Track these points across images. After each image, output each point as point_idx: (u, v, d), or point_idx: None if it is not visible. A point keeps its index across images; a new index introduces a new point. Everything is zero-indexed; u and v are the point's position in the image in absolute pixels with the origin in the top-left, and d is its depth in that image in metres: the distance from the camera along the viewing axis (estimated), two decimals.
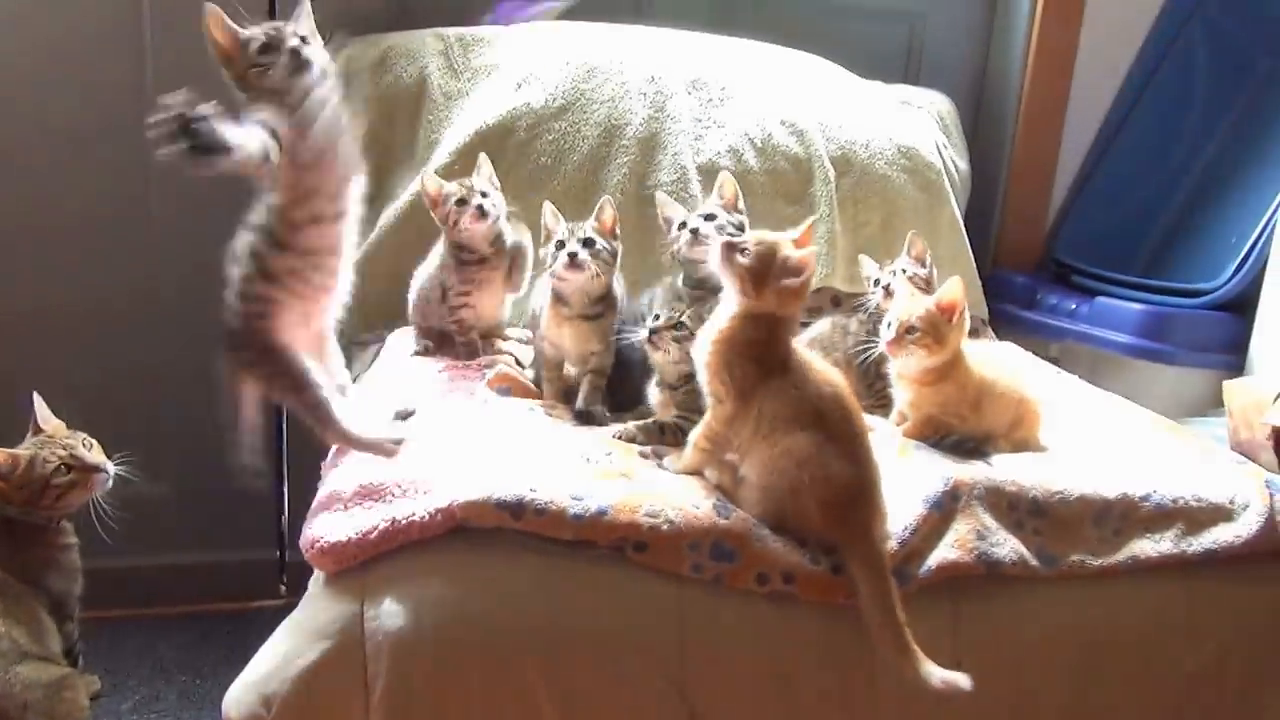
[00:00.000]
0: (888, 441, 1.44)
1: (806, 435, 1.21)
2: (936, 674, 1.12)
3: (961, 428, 1.47)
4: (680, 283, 1.58)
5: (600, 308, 1.57)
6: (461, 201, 1.66)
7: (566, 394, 1.62)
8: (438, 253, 1.78)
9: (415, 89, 2.11)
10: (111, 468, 1.82)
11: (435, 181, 1.70)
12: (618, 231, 1.59)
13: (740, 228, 1.59)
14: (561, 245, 1.54)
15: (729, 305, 1.31)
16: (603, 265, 1.54)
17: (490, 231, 1.69)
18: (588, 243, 1.53)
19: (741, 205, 1.63)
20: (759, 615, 1.19)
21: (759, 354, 1.27)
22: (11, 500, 1.74)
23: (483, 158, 1.73)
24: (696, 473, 1.32)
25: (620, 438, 1.44)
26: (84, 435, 1.85)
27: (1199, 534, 1.33)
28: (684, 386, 1.44)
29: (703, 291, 1.49)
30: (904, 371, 1.49)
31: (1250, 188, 2.25)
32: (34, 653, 1.69)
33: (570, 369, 1.63)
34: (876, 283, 1.70)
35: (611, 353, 1.59)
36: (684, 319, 1.43)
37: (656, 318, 1.45)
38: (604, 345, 1.57)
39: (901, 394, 1.51)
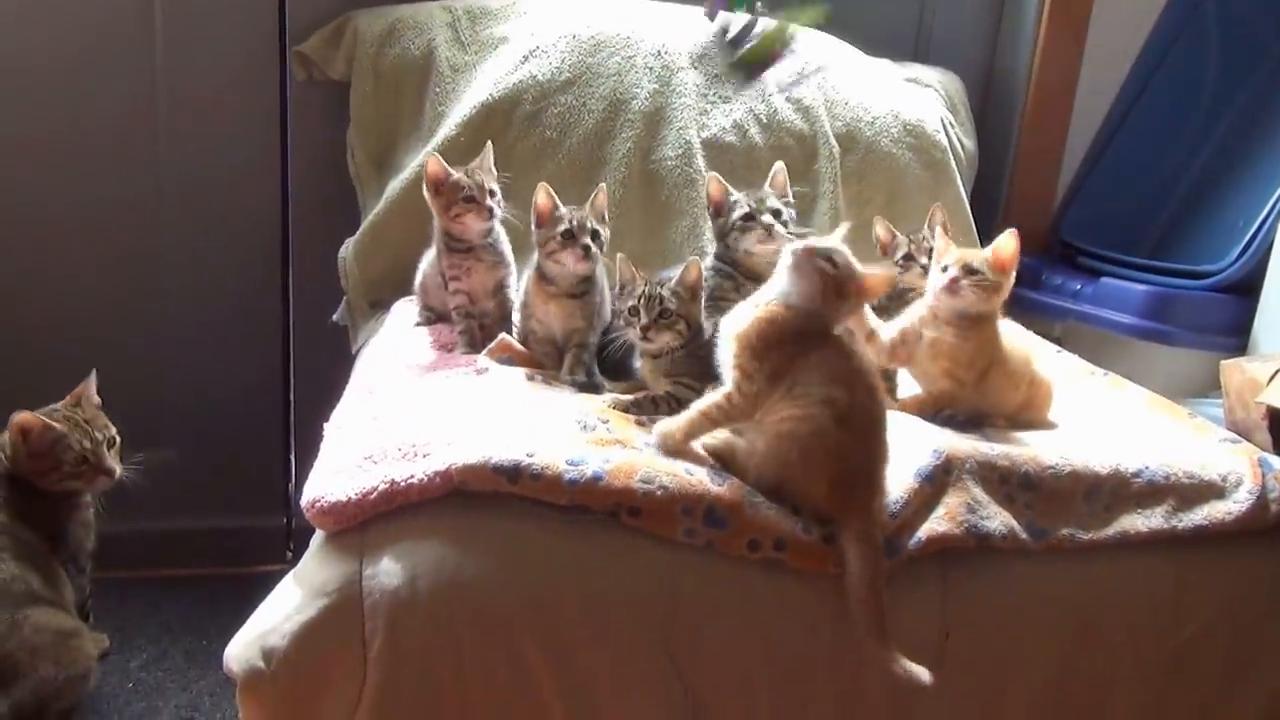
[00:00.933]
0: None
1: (828, 410, 1.22)
2: (902, 664, 1.14)
3: (961, 400, 1.48)
4: (717, 266, 1.62)
5: (585, 286, 1.60)
6: (470, 199, 1.66)
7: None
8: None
9: (423, 61, 2.12)
10: (119, 474, 1.84)
11: (441, 166, 1.68)
12: (606, 216, 1.61)
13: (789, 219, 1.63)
14: (570, 236, 1.55)
15: (777, 292, 1.30)
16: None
17: (487, 226, 1.69)
18: (594, 235, 1.57)
19: (789, 193, 1.66)
20: (750, 581, 1.21)
21: (798, 337, 1.27)
22: (19, 463, 1.77)
23: (488, 147, 1.71)
24: (687, 446, 1.31)
25: (615, 407, 1.46)
26: (114, 431, 1.86)
27: (1190, 510, 1.34)
28: (668, 355, 1.48)
29: (743, 280, 1.54)
30: (947, 314, 1.47)
31: (1258, 171, 2.24)
32: (46, 598, 1.72)
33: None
34: (902, 254, 1.70)
35: (595, 328, 1.62)
36: (668, 303, 1.46)
37: (635, 312, 1.47)
38: (587, 321, 1.61)
39: (921, 350, 1.50)
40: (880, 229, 1.76)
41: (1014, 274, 1.49)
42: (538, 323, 1.63)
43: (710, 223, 1.69)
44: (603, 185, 1.63)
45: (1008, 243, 1.47)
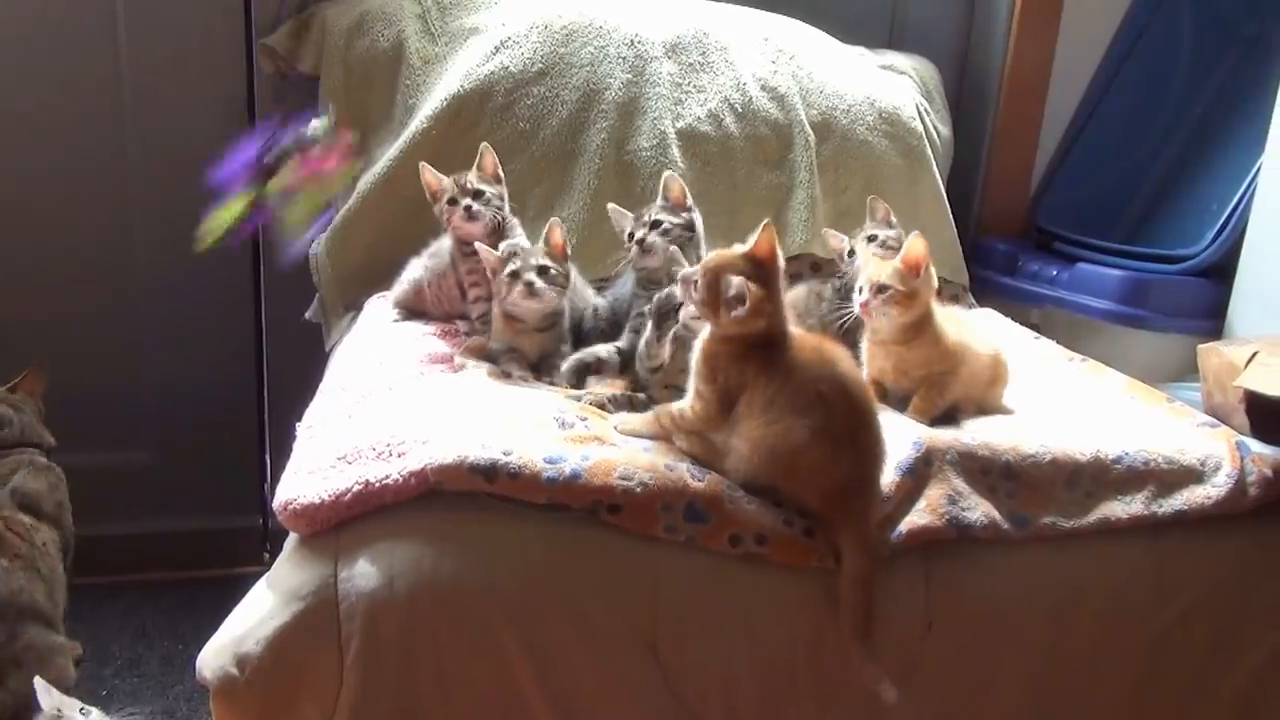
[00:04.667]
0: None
1: (804, 423, 1.19)
2: (873, 675, 1.15)
3: (954, 389, 1.48)
4: (636, 284, 1.63)
5: (552, 319, 1.62)
6: (453, 200, 1.67)
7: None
8: (444, 249, 1.77)
9: (393, 53, 2.09)
10: None
11: (433, 174, 1.70)
12: (568, 252, 1.62)
13: (689, 226, 1.61)
14: (515, 275, 1.55)
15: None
16: (558, 291, 1.58)
17: (485, 229, 1.68)
18: (542, 270, 1.55)
19: (690, 202, 1.65)
20: (731, 576, 1.20)
21: (753, 352, 1.24)
22: None
23: (484, 147, 1.72)
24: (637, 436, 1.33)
25: (590, 403, 1.44)
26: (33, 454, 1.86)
27: (1170, 495, 1.34)
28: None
29: (656, 289, 1.54)
30: (881, 335, 1.49)
31: (1231, 155, 2.25)
32: (45, 614, 1.71)
33: None
34: (851, 254, 1.70)
35: (568, 346, 1.64)
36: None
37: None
38: (556, 348, 1.62)
39: (881, 363, 1.51)
40: (834, 242, 1.76)
41: (932, 273, 1.48)
42: (510, 347, 1.62)
43: None
44: (556, 219, 1.62)
45: (914, 246, 1.45)
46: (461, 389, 1.44)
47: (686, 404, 1.30)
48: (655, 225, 1.60)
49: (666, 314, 1.46)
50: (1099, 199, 2.44)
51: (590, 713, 1.17)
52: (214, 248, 1.76)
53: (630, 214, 1.65)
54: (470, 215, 1.67)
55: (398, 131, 2.02)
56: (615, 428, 1.33)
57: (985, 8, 2.53)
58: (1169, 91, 2.45)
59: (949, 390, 1.48)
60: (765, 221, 1.27)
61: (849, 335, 1.61)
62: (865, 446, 1.23)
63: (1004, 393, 1.56)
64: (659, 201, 1.65)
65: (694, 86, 2.11)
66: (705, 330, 1.29)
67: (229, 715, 1.11)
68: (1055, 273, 2.28)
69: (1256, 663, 1.34)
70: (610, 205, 1.70)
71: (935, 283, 1.49)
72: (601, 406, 1.45)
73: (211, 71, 2.18)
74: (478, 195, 1.67)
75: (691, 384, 1.29)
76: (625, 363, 1.58)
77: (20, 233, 2.19)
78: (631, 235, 1.61)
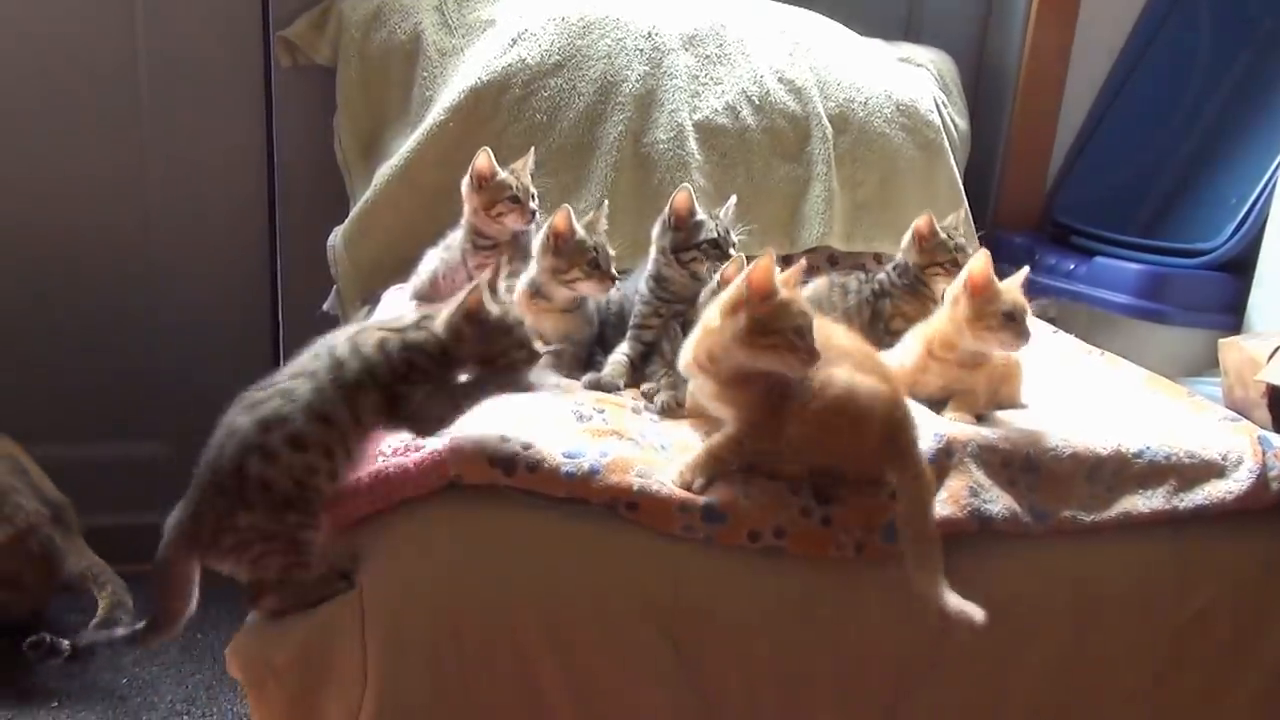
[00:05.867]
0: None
1: (843, 368, 1.22)
2: (953, 601, 1.13)
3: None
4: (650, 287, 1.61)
5: (577, 300, 1.60)
6: (515, 199, 1.68)
7: None
8: (456, 241, 1.77)
9: (410, 45, 2.09)
10: None
11: (490, 162, 1.70)
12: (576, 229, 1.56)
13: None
14: (595, 265, 1.53)
15: None
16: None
17: (524, 229, 1.72)
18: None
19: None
20: (751, 568, 1.20)
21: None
22: None
23: (530, 152, 1.76)
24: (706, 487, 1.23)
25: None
26: None
27: (1191, 490, 1.34)
28: None
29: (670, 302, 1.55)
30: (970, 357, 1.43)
31: (1251, 149, 2.24)
32: None
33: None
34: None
35: (593, 329, 1.63)
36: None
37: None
38: (580, 330, 1.61)
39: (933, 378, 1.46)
40: (921, 222, 1.68)
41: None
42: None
43: (668, 232, 1.58)
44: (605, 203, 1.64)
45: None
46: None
47: (732, 430, 1.25)
48: (714, 246, 1.53)
49: None
50: (1116, 192, 2.42)
51: (611, 705, 1.17)
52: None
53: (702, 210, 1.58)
54: (528, 217, 1.70)
55: (414, 124, 2.02)
56: (673, 481, 1.23)
57: (1003, 1, 2.51)
58: (1187, 84, 2.43)
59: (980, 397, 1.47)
60: (768, 251, 1.24)
61: (886, 324, 1.61)
62: (892, 378, 1.28)
63: (1019, 389, 1.55)
64: (718, 216, 1.58)
65: (711, 79, 2.10)
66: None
67: (259, 711, 1.11)
68: (1072, 266, 2.27)
69: (1277, 658, 1.33)
70: (685, 186, 1.60)
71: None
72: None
73: (229, 63, 2.18)
74: (533, 197, 1.71)
75: (727, 412, 1.26)
76: (634, 365, 1.57)
77: (38, 224, 2.19)
78: (716, 243, 1.54)
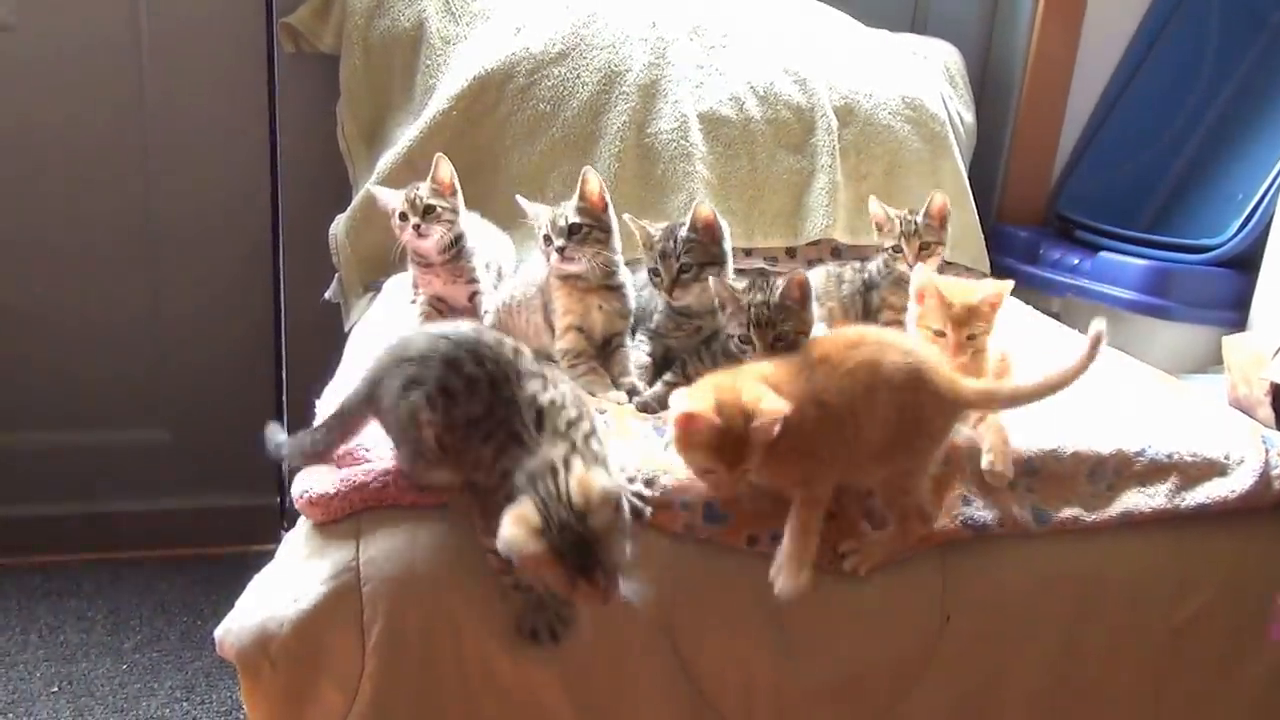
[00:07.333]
0: None
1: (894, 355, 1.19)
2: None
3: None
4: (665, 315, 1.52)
5: (617, 278, 1.51)
6: (403, 216, 1.58)
7: None
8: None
9: (413, 33, 2.08)
10: None
11: (381, 194, 1.64)
12: (607, 201, 1.48)
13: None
14: (549, 240, 1.45)
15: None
16: (595, 244, 1.45)
17: (439, 245, 1.61)
18: (573, 230, 1.44)
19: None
20: (749, 568, 1.19)
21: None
22: None
23: (438, 158, 1.60)
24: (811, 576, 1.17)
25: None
26: None
27: (1192, 489, 1.34)
28: None
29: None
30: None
31: (1257, 144, 2.23)
32: None
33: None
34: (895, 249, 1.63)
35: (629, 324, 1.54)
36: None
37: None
38: (625, 323, 1.52)
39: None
40: (876, 208, 1.67)
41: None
42: (572, 336, 1.50)
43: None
44: (589, 168, 1.49)
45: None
46: None
47: (799, 498, 1.18)
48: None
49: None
50: (1122, 187, 2.41)
51: (608, 701, 1.17)
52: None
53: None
54: (419, 234, 1.58)
55: (418, 111, 2.02)
56: (792, 594, 1.14)
57: None
58: (1194, 79, 2.42)
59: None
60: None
61: (878, 313, 1.60)
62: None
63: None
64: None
65: (715, 69, 2.09)
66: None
67: (253, 697, 1.11)
68: (1077, 261, 2.26)
69: (1277, 657, 1.33)
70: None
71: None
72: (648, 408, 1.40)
73: (232, 50, 2.18)
74: (428, 211, 1.57)
75: (797, 489, 1.19)
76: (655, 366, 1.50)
77: (41, 214, 2.19)
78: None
